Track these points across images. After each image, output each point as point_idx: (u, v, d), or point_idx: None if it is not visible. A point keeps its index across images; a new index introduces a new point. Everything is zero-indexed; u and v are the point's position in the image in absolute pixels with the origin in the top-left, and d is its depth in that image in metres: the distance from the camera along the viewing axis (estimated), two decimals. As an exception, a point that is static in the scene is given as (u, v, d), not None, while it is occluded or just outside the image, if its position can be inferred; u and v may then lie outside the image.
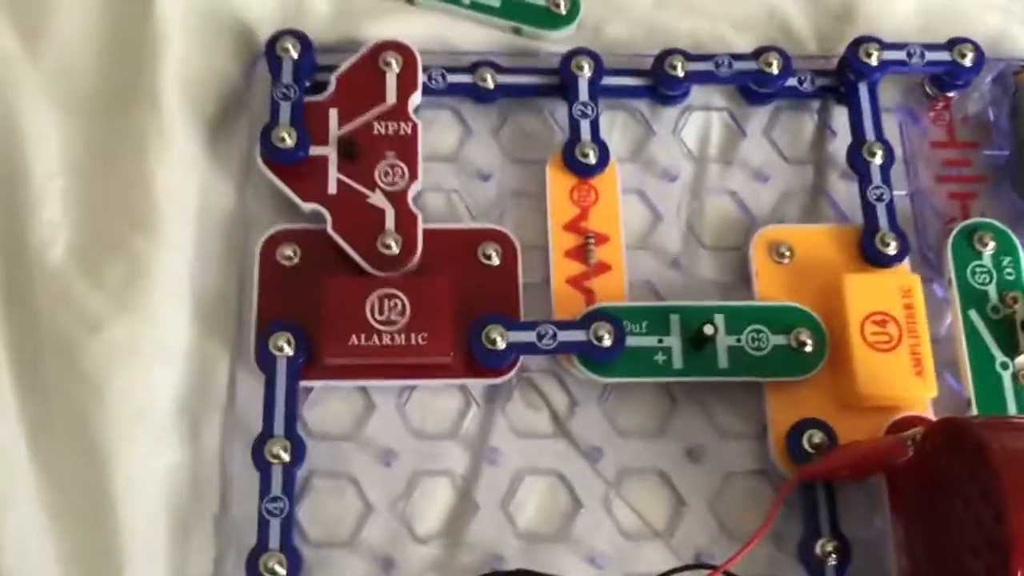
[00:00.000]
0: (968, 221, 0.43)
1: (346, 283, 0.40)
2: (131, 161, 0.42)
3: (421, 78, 0.44)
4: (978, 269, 0.42)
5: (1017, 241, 0.42)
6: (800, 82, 0.46)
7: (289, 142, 0.42)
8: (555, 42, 0.47)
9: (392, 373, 0.40)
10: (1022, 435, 0.33)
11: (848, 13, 0.48)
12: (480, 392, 0.42)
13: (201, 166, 0.43)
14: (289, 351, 0.39)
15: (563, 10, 0.47)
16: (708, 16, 0.48)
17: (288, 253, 0.42)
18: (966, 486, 0.33)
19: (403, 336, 0.39)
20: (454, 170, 0.45)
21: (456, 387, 0.42)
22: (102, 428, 0.38)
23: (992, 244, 0.42)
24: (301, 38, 0.44)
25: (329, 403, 0.41)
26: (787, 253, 0.43)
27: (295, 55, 0.43)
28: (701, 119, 0.47)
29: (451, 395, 0.42)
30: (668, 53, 0.45)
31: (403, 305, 0.40)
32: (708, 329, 0.39)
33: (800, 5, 0.49)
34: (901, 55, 0.45)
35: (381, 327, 0.39)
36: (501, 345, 0.39)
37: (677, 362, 0.40)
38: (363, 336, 0.39)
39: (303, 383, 0.40)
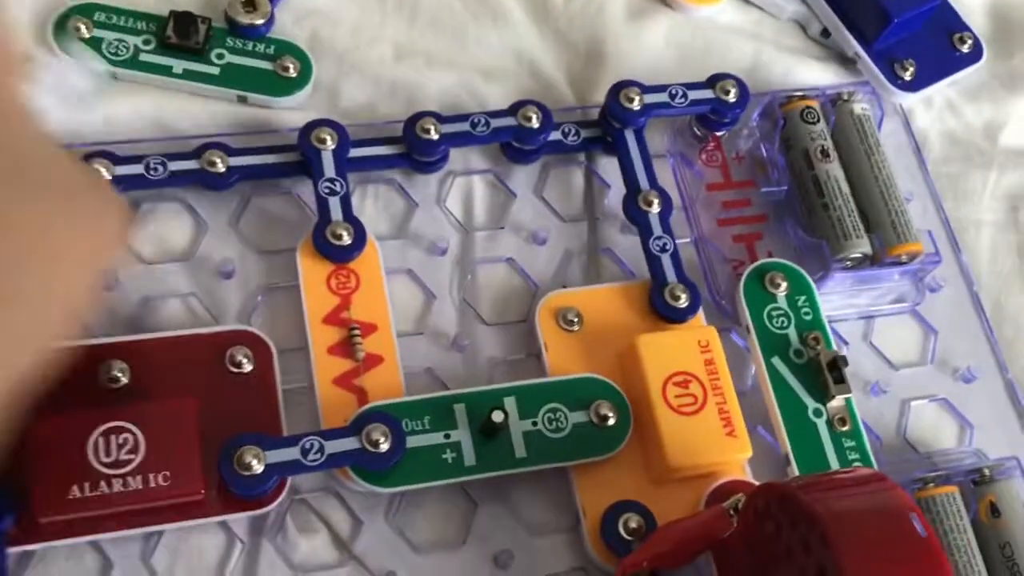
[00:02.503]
0: (757, 263, 0.40)
1: (58, 421, 0.33)
2: None
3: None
4: (774, 312, 0.39)
5: (809, 279, 0.40)
6: (565, 135, 0.43)
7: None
8: (287, 109, 0.42)
9: (130, 521, 0.33)
10: (847, 495, 0.29)
11: (598, 54, 0.46)
12: (243, 526, 0.35)
13: None
14: None
15: (293, 73, 0.42)
16: (453, 67, 0.45)
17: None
18: (798, 559, 0.29)
19: (139, 479, 0.32)
20: (189, 270, 0.39)
21: (213, 524, 0.35)
22: None
23: (784, 284, 0.40)
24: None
25: (52, 566, 0.34)
26: (575, 319, 0.39)
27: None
28: (465, 184, 0.43)
29: (208, 534, 0.35)
30: (419, 116, 0.41)
31: (135, 440, 0.33)
32: (497, 416, 0.35)
33: (548, 49, 0.46)
34: (663, 97, 0.42)
35: (109, 471, 0.32)
36: (258, 469, 0.33)
37: (469, 458, 0.35)
38: (86, 486, 0.32)
39: (14, 550, 0.32)
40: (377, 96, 0.43)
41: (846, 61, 0.48)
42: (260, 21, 0.42)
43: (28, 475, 0.32)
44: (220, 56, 0.42)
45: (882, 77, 0.47)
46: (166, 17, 0.41)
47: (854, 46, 0.47)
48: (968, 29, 0.49)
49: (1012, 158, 0.48)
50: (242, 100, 0.42)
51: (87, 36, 0.41)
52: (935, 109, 0.48)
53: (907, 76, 0.47)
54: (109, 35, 0.41)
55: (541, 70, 0.45)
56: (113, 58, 0.41)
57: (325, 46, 0.44)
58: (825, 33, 0.48)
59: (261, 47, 0.42)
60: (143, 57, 0.41)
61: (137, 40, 0.41)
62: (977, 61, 0.49)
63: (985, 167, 0.48)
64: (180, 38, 0.41)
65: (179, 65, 0.41)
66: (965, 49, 0.49)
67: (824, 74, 0.47)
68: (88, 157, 0.38)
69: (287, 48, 0.42)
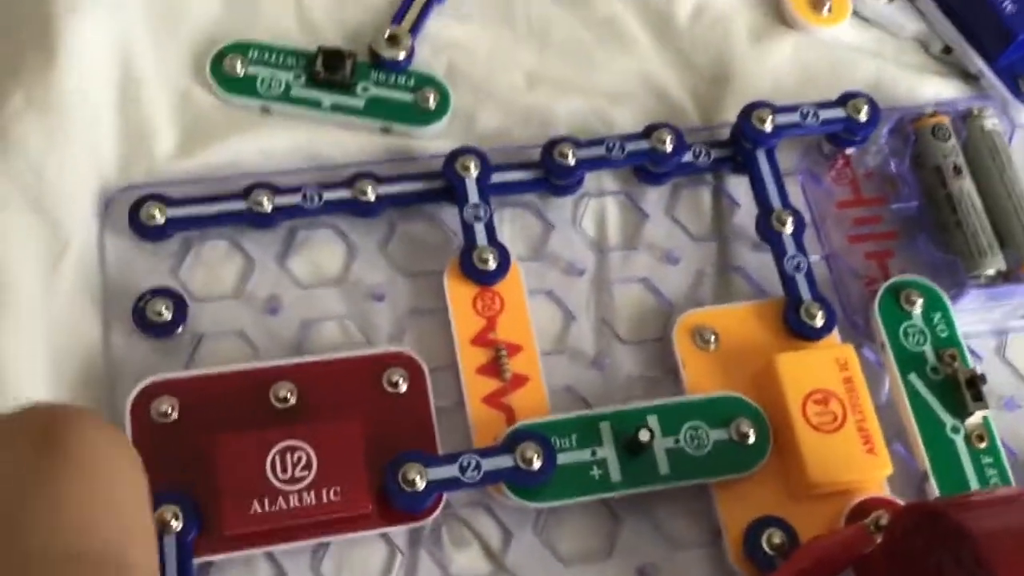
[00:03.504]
0: (892, 280, 0.41)
1: (241, 440, 0.35)
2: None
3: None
4: (910, 330, 0.40)
5: (944, 296, 0.41)
6: (695, 156, 0.44)
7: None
8: (428, 138, 0.44)
9: (302, 534, 0.35)
10: (1002, 513, 0.30)
11: (723, 74, 0.47)
12: (403, 538, 0.37)
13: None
14: (177, 525, 0.34)
15: (432, 104, 0.44)
16: (582, 92, 0.46)
17: (165, 408, 0.37)
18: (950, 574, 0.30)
19: (312, 494, 0.35)
20: (342, 294, 0.41)
21: (376, 535, 0.37)
22: None
23: (920, 301, 0.40)
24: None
25: (229, 574, 0.36)
26: (712, 338, 0.40)
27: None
28: (598, 205, 0.44)
29: (371, 545, 0.37)
30: (556, 142, 0.42)
31: (308, 458, 0.35)
32: (644, 435, 0.36)
33: (674, 70, 0.47)
34: (795, 117, 0.43)
35: (286, 487, 0.35)
36: (420, 486, 0.35)
37: (615, 474, 0.37)
38: (266, 500, 0.34)
39: (199, 560, 0.35)
40: (511, 122, 0.45)
41: (968, 77, 0.48)
42: (402, 55, 0.44)
43: (213, 491, 0.34)
44: (365, 89, 0.44)
45: (1007, 93, 0.47)
46: (315, 53, 0.43)
47: (977, 63, 0.47)
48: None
49: None
50: (386, 131, 0.44)
51: (241, 74, 0.43)
52: None
53: None
54: (263, 71, 0.43)
55: (667, 93, 0.46)
56: (267, 94, 0.43)
57: (461, 75, 0.45)
58: (947, 50, 0.48)
59: (402, 80, 0.44)
60: (294, 92, 0.43)
61: (288, 76, 0.43)
62: None
63: None
64: (329, 73, 0.43)
65: (327, 99, 0.43)
66: None
67: (947, 90, 0.47)
68: (250, 189, 0.40)
69: (427, 81, 0.44)
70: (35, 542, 0.24)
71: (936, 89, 0.47)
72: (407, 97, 0.44)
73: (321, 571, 0.36)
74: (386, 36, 0.44)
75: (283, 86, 0.43)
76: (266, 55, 0.44)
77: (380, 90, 0.44)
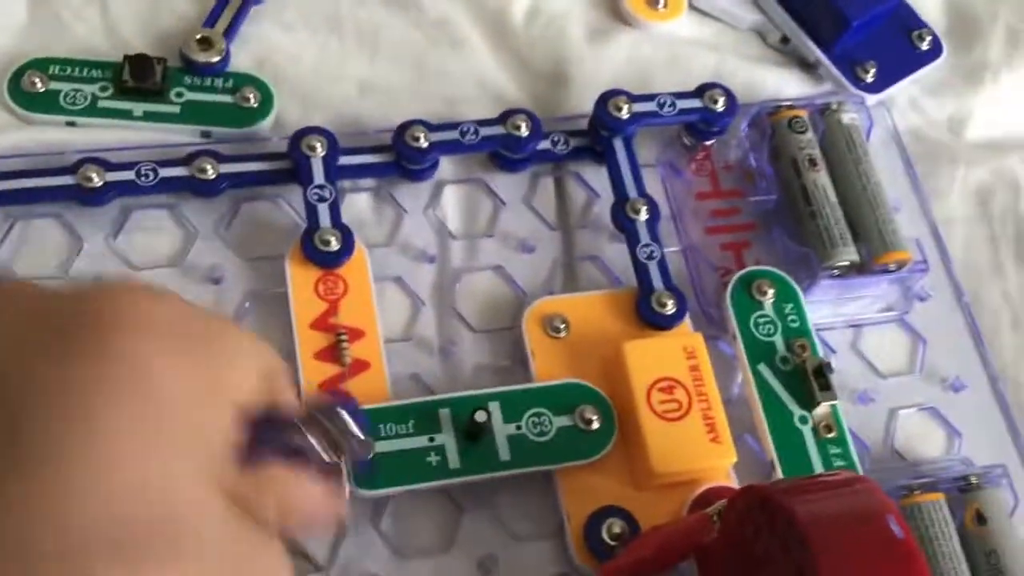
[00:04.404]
0: (744, 270, 0.40)
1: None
2: None
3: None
4: (761, 320, 0.39)
5: (796, 287, 0.40)
6: (554, 144, 0.43)
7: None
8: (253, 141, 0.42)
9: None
10: (825, 497, 0.29)
11: (561, 74, 0.46)
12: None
13: None
14: None
15: (254, 103, 0.42)
16: (418, 98, 0.45)
17: None
18: (778, 562, 0.29)
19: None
20: (176, 276, 0.39)
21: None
22: None
23: (771, 292, 0.40)
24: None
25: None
26: (562, 326, 0.39)
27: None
28: (455, 192, 0.43)
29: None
30: (408, 124, 0.41)
31: None
32: (480, 416, 0.35)
33: (511, 72, 0.46)
34: (652, 106, 0.43)
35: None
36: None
37: (453, 461, 0.35)
38: None
39: None
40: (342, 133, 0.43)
41: (808, 67, 0.48)
42: (216, 58, 0.42)
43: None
44: (179, 95, 0.42)
45: (844, 80, 0.47)
46: (121, 62, 0.41)
47: (814, 51, 0.47)
48: (926, 26, 0.49)
49: (977, 152, 0.48)
50: (206, 136, 0.42)
51: (42, 90, 0.41)
52: (899, 108, 0.48)
53: (868, 78, 0.47)
54: (65, 86, 0.41)
55: (505, 95, 0.45)
56: (71, 108, 0.41)
57: (288, 86, 0.43)
58: (784, 40, 0.48)
59: (220, 82, 0.42)
60: (101, 104, 0.41)
61: (94, 88, 0.41)
62: (937, 58, 0.49)
63: (952, 163, 0.48)
64: (137, 80, 0.41)
65: (139, 108, 0.41)
66: (925, 47, 0.49)
67: (786, 81, 0.48)
68: (80, 163, 0.38)
69: (246, 80, 0.42)
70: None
71: (775, 81, 0.47)
72: (226, 99, 0.42)
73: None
74: (197, 38, 0.42)
75: (89, 99, 0.41)
76: (68, 69, 0.42)
77: (196, 94, 0.42)
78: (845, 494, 0.29)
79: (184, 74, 0.42)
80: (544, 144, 0.43)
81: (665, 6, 0.48)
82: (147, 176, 0.39)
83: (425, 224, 0.42)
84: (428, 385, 0.39)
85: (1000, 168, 0.48)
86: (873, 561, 0.27)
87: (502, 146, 0.42)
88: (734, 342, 0.39)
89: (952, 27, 0.51)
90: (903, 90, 0.49)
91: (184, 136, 0.41)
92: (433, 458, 0.35)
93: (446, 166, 0.43)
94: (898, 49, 0.49)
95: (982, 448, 0.41)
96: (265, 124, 0.42)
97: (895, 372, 0.42)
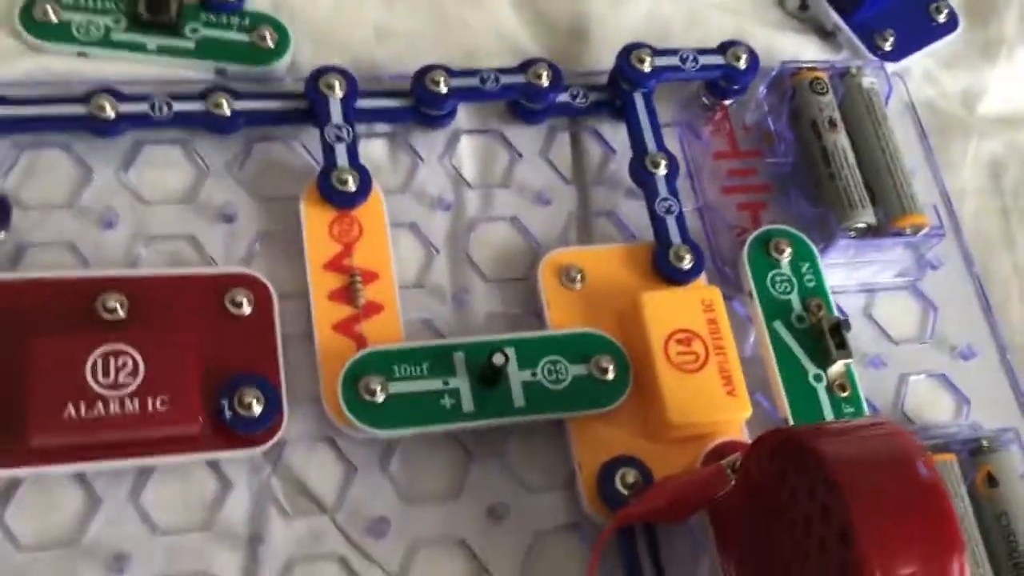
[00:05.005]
0: (761, 229, 0.40)
1: (56, 342, 0.32)
2: None
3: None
4: (778, 278, 0.39)
5: (812, 245, 0.40)
6: (573, 97, 0.43)
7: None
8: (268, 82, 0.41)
9: (121, 452, 0.32)
10: (853, 439, 0.29)
11: (579, 30, 0.46)
12: (235, 468, 0.35)
13: None
14: None
15: (270, 42, 0.41)
16: (434, 49, 0.44)
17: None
18: (801, 506, 0.29)
19: (136, 402, 0.32)
20: (188, 212, 0.38)
21: (205, 466, 0.34)
22: None
23: (788, 251, 0.39)
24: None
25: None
26: (578, 277, 0.39)
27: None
28: (471, 142, 0.42)
29: (199, 475, 0.34)
30: (428, 69, 0.40)
31: (135, 364, 0.32)
32: (498, 358, 0.34)
33: (528, 28, 0.46)
34: (674, 60, 0.42)
35: (107, 391, 0.32)
36: (257, 410, 0.33)
37: (467, 405, 0.35)
38: (82, 405, 0.31)
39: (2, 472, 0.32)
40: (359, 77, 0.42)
41: (825, 34, 0.48)
42: None
43: (22, 395, 0.31)
44: (195, 31, 0.41)
45: (862, 47, 0.47)
46: None
47: (833, 18, 0.47)
48: (944, -1, 0.49)
49: (991, 126, 0.49)
50: (220, 73, 0.41)
51: (55, 21, 0.40)
52: (914, 80, 0.49)
53: (887, 46, 0.47)
54: (77, 17, 0.40)
55: (523, 49, 0.45)
56: (84, 38, 0.40)
57: (304, 29, 0.43)
58: (803, 7, 0.48)
59: (236, 19, 0.41)
60: (115, 36, 0.40)
61: (107, 20, 0.40)
62: (953, 31, 0.49)
63: (965, 136, 0.48)
64: (152, 14, 0.40)
65: (153, 42, 0.40)
66: (941, 19, 0.49)
67: (804, 47, 0.48)
68: (92, 93, 0.38)
69: (262, 19, 0.42)
70: None
71: (794, 46, 0.47)
72: (242, 37, 0.41)
73: (141, 501, 0.34)
74: (213, -26, 0.42)
75: (102, 30, 0.40)
76: (82, 0, 0.41)
77: (212, 31, 0.41)
78: (873, 437, 0.29)
79: (200, 10, 0.41)
80: (563, 97, 0.42)
81: (687, -33, 0.48)
82: (161, 109, 0.38)
83: (441, 172, 0.41)
84: (440, 331, 0.38)
85: (1013, 142, 0.48)
86: (902, 502, 0.27)
87: (522, 95, 0.41)
88: (750, 300, 0.39)
89: (969, 2, 0.51)
90: (918, 62, 0.49)
91: (198, 72, 0.41)
92: (447, 401, 0.35)
93: (462, 115, 0.42)
94: (916, 20, 0.49)
95: (989, 416, 0.41)
96: (281, 64, 0.41)
97: (906, 339, 0.42)
